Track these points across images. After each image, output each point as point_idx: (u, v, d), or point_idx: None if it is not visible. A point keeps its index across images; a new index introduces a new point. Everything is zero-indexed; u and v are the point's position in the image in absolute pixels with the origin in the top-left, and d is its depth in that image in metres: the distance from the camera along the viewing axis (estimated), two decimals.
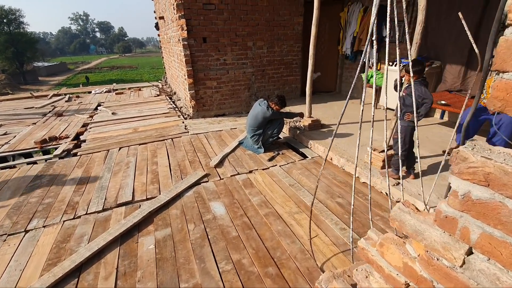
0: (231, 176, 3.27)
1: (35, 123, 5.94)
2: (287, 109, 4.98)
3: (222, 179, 3.22)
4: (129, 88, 9.95)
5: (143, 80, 16.14)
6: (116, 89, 9.94)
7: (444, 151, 3.45)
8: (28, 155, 4.47)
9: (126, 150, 4.19)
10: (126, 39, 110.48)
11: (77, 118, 6.24)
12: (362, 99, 1.45)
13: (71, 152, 4.20)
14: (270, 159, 3.67)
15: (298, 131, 4.39)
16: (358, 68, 1.43)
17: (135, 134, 4.88)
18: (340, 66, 6.75)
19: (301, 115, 4.19)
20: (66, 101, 8.15)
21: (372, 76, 5.59)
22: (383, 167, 3.11)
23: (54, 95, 9.33)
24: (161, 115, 6.05)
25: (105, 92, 9.51)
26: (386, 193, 2.86)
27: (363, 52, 1.33)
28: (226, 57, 5.53)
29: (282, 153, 3.88)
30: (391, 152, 3.09)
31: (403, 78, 2.90)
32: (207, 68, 5.46)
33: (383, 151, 3.12)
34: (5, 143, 4.70)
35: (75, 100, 8.38)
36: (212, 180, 3.18)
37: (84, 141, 4.71)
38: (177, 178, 3.26)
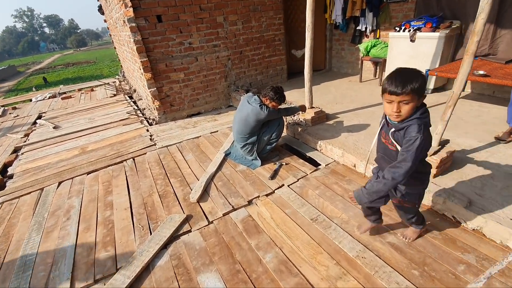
0: (224, 215, 2.24)
1: None
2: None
3: (212, 222, 2.18)
4: (79, 90, 8.31)
5: (104, 76, 14.10)
6: (64, 93, 8.27)
7: (498, 138, 2.62)
8: None
9: (68, 185, 2.99)
10: (78, 31, 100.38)
11: (8, 139, 4.78)
12: None
13: None
14: (272, 176, 2.66)
15: (299, 128, 3.39)
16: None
17: (83, 156, 3.63)
18: (329, 39, 5.71)
19: (302, 108, 3.16)
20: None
21: (372, 47, 4.62)
22: (437, 174, 2.22)
23: None
24: (118, 122, 4.76)
25: (49, 97, 7.83)
26: (453, 217, 1.98)
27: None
28: (192, 39, 4.29)
29: (285, 164, 2.88)
30: (448, 151, 2.19)
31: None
32: (169, 56, 4.20)
33: (435, 152, 2.21)
34: None
35: (10, 113, 6.72)
36: (196, 228, 2.13)
37: (11, 176, 3.40)
38: (144, 231, 2.17)
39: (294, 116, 3.65)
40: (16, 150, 4.25)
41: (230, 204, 2.34)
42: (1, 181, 3.29)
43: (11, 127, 5.58)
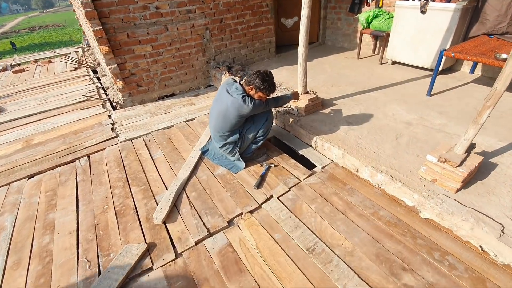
0: (197, 243, 1.75)
1: None
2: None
3: (181, 254, 1.69)
4: (35, 61, 7.16)
5: (75, 42, 12.45)
6: (17, 64, 7.12)
7: None
8: None
9: (3, 194, 2.37)
10: None
11: None
12: None
13: None
14: (259, 184, 2.17)
15: (290, 119, 2.85)
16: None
17: (27, 152, 2.95)
18: (323, 6, 4.95)
19: (295, 95, 2.59)
20: None
21: (374, 17, 3.98)
22: (459, 190, 1.80)
23: None
24: (76, 105, 4.00)
25: None
26: (480, 246, 1.60)
27: None
28: (159, 2, 3.46)
29: (274, 165, 2.38)
30: (477, 161, 1.75)
31: None
32: (130, 24, 3.39)
33: (461, 162, 1.77)
34: None
35: None
36: (160, 264, 1.64)
37: None
38: (90, 269, 1.66)
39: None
40: None
41: (205, 226, 1.85)
42: None
43: None
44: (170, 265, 1.63)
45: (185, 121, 3.30)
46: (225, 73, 3.95)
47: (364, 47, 4.55)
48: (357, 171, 2.21)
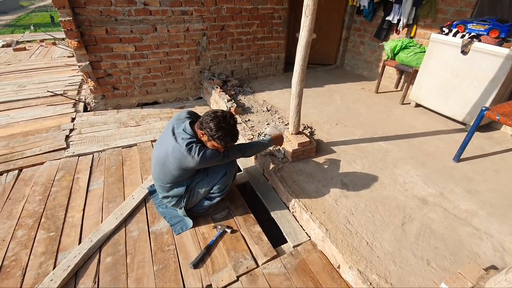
0: None
1: None
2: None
3: None
4: (41, 41, 6.92)
5: None
6: (21, 42, 6.92)
7: None
8: None
9: None
10: None
11: None
12: None
13: None
14: (197, 263, 1.57)
15: (271, 164, 2.24)
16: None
17: None
18: (346, 26, 4.32)
19: (277, 140, 1.99)
20: None
21: (402, 48, 3.31)
22: None
23: None
24: (45, 100, 3.55)
25: (2, 46, 6.49)
26: None
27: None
28: None
29: (230, 231, 1.77)
30: None
31: None
32: (111, 18, 2.90)
33: None
34: None
35: None
36: None
37: None
38: None
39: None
40: None
41: None
42: None
43: None
44: None
45: (152, 141, 2.75)
46: (217, 87, 3.40)
47: (386, 79, 3.88)
48: (339, 267, 1.57)
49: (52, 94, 3.53)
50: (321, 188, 2.00)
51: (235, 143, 1.59)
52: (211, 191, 1.69)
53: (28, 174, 2.25)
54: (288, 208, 1.99)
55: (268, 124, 2.86)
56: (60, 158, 2.44)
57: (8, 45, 6.54)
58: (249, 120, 2.94)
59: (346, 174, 2.15)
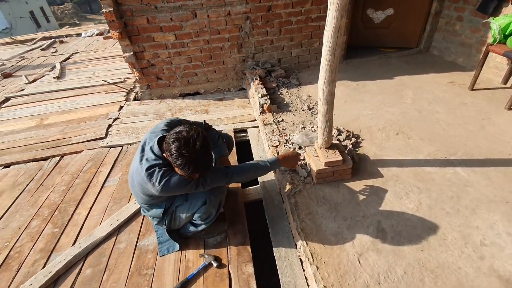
0: None
1: None
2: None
3: None
4: None
5: None
6: None
7: None
8: None
9: None
10: None
11: (19, 81, 4.54)
12: None
13: None
14: None
15: (288, 184, 1.80)
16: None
17: (30, 132, 2.92)
18: None
19: (287, 160, 1.54)
20: (42, 49, 6.52)
21: None
22: None
23: (44, 37, 7.80)
24: (106, 87, 3.85)
25: (96, 34, 7.56)
26: None
27: None
28: None
29: (216, 265, 1.48)
30: None
31: None
32: (151, 7, 2.82)
33: None
34: None
35: (54, 47, 6.69)
36: None
37: None
38: None
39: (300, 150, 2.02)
40: (7, 100, 3.91)
41: None
42: None
43: (39, 65, 5.42)
44: None
45: None
46: (256, 79, 3.02)
47: (489, 71, 2.74)
48: None
49: (107, 83, 3.82)
50: (344, 230, 1.48)
51: (214, 168, 1.24)
52: (193, 219, 1.42)
53: (66, 161, 2.44)
54: (295, 244, 1.56)
55: (303, 127, 2.36)
56: (95, 148, 2.58)
57: (101, 33, 7.58)
58: (282, 120, 2.50)
59: (389, 214, 1.54)
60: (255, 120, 2.81)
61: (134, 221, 1.80)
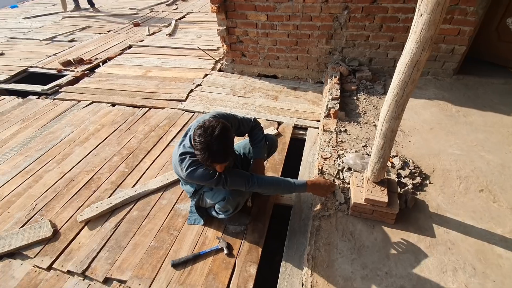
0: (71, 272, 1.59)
1: (109, 31, 5.61)
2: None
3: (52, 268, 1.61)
4: None
5: None
6: None
7: None
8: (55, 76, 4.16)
9: (90, 108, 3.06)
10: None
11: (143, 31, 5.43)
12: None
13: (60, 91, 3.50)
14: (178, 264, 1.56)
15: (319, 203, 1.72)
16: None
17: (135, 81, 3.55)
18: None
19: (316, 188, 1.47)
20: (167, 5, 7.45)
21: None
22: None
23: None
24: (199, 52, 4.21)
25: None
26: None
27: None
28: None
29: (226, 252, 1.61)
30: None
31: None
32: None
33: None
34: (54, 54, 4.57)
35: (176, 4, 7.55)
36: (49, 262, 1.63)
37: (93, 71, 3.90)
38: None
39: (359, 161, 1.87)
40: (129, 47, 4.76)
41: (88, 266, 1.61)
42: (87, 71, 3.87)
43: (162, 19, 6.28)
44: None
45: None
46: (334, 77, 2.81)
47: None
48: None
49: (202, 50, 4.16)
50: (357, 278, 1.37)
51: (232, 168, 1.30)
52: (216, 205, 1.55)
53: (151, 114, 2.92)
54: (301, 280, 1.54)
55: (364, 146, 2.14)
56: (174, 108, 2.98)
57: None
58: (345, 131, 2.31)
59: (419, 283, 1.33)
60: (319, 120, 2.68)
61: (178, 185, 2.08)
